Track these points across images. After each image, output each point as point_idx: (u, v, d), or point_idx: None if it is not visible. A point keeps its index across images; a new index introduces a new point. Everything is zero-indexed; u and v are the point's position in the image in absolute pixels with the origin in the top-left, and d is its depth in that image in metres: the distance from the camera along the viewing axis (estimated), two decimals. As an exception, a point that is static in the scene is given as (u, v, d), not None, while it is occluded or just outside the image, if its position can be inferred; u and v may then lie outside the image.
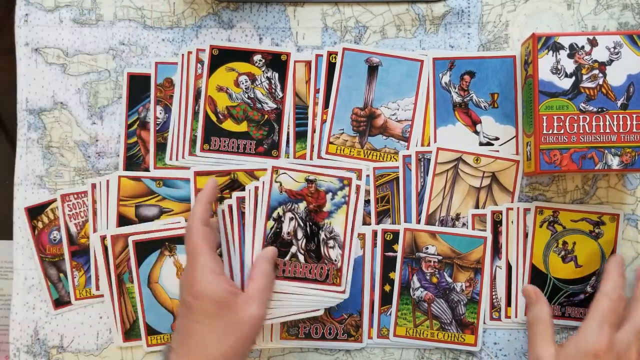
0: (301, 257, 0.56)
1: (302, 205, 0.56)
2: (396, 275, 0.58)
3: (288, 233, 0.56)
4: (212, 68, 0.60)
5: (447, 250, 0.58)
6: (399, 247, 0.58)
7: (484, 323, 0.58)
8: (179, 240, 0.59)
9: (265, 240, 0.56)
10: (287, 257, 0.56)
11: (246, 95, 0.60)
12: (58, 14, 0.61)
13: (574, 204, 0.58)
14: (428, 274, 0.58)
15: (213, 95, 0.60)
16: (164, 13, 0.61)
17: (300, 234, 0.56)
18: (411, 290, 0.58)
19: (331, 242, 0.56)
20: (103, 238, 0.58)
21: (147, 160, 0.60)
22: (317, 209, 0.56)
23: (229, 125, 0.60)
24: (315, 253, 0.56)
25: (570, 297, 0.58)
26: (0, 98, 0.63)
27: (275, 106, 0.60)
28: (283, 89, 0.60)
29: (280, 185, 0.57)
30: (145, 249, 0.59)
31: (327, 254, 0.56)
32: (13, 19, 0.61)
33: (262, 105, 0.60)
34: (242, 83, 0.60)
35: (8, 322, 0.60)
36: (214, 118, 0.60)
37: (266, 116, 0.60)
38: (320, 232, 0.56)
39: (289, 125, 0.60)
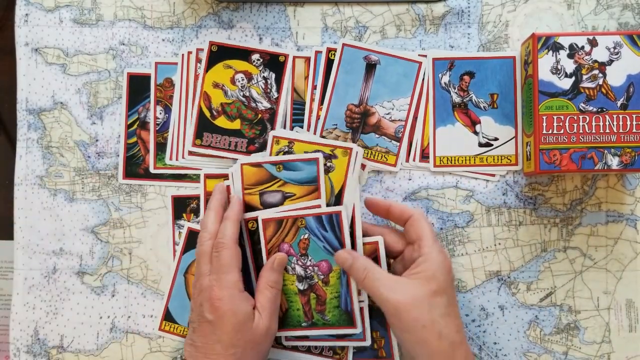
0: None
1: None
2: None
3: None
4: (210, 64, 0.60)
5: None
6: None
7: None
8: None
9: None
10: None
11: (241, 94, 0.60)
12: (58, 14, 0.61)
13: (312, 136, 0.58)
14: None
15: (208, 91, 0.60)
16: (164, 13, 0.61)
17: None
18: None
19: None
20: (247, 221, 0.57)
21: (147, 160, 0.60)
22: None
23: (222, 122, 0.60)
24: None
25: None
26: (0, 98, 0.63)
27: (269, 106, 0.60)
28: (279, 90, 0.60)
29: None
30: (196, 238, 0.58)
31: None
32: (13, 19, 0.61)
33: (256, 105, 0.60)
34: (239, 81, 0.60)
35: (8, 322, 0.60)
36: (207, 114, 0.60)
37: (260, 115, 0.60)
38: None
39: (284, 126, 0.60)
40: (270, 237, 0.56)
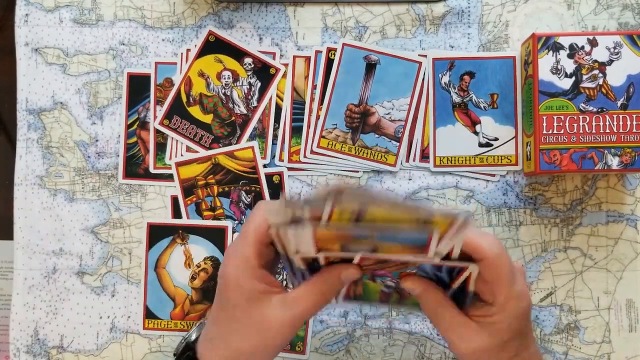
0: None
1: None
2: None
3: None
4: (202, 52, 0.60)
5: None
6: None
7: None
8: (192, 230, 0.60)
9: None
10: None
11: (223, 91, 0.60)
12: (58, 14, 0.61)
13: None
14: None
15: (192, 77, 0.60)
16: (164, 13, 0.61)
17: None
18: None
19: None
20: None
21: (147, 160, 0.60)
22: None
23: (195, 111, 0.60)
24: None
25: None
26: (0, 98, 0.63)
27: (245, 112, 0.60)
28: (260, 100, 0.60)
29: None
30: (158, 233, 0.60)
31: None
32: (13, 19, 0.61)
33: (233, 106, 0.60)
34: (224, 78, 0.60)
35: (8, 322, 0.60)
36: (184, 99, 0.60)
37: (233, 118, 0.60)
38: None
39: (262, 134, 0.60)
40: (366, 266, 0.44)
